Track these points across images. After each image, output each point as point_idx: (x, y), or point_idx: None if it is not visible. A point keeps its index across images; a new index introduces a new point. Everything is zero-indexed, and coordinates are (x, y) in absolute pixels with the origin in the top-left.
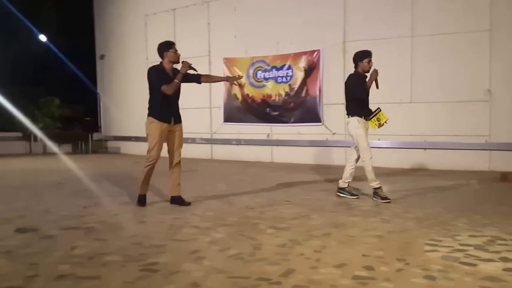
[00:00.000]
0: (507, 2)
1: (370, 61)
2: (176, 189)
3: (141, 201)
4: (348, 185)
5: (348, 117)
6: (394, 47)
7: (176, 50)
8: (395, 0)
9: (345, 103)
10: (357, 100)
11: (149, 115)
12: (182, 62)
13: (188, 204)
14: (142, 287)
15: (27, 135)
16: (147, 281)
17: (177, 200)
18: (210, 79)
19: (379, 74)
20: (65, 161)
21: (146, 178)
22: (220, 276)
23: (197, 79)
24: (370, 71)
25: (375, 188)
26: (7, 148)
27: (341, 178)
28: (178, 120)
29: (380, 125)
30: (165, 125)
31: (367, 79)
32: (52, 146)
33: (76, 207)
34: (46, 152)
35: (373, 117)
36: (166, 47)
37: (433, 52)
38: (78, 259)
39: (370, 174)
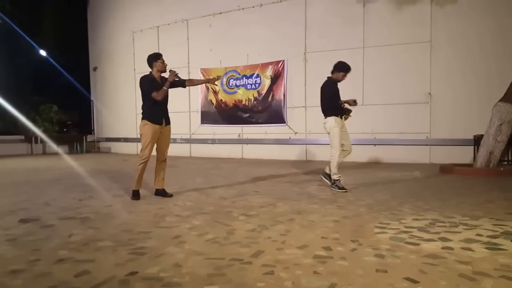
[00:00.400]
0: (445, 17)
1: (345, 75)
2: (160, 182)
3: (136, 195)
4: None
5: (326, 117)
6: (348, 56)
7: (164, 61)
8: (348, 17)
9: (319, 105)
10: (332, 104)
11: (143, 118)
12: (170, 71)
13: (170, 195)
14: (131, 268)
15: (29, 138)
16: (135, 263)
17: (161, 192)
18: (193, 82)
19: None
20: (62, 160)
21: (141, 174)
22: (199, 258)
23: (182, 84)
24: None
25: (335, 180)
26: (10, 149)
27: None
28: (168, 121)
29: (345, 118)
30: (157, 126)
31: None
32: (51, 147)
33: (72, 200)
34: (45, 153)
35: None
36: (155, 58)
37: (381, 60)
38: (75, 245)
39: (334, 168)
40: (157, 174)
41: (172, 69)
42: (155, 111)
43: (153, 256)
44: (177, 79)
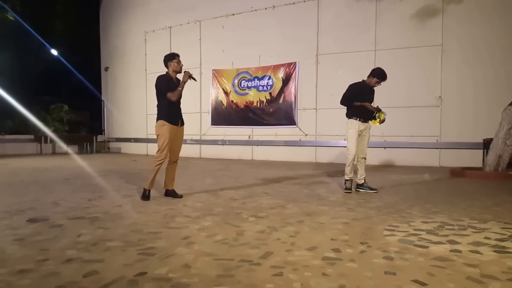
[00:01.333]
0: (456, 21)
1: (378, 82)
2: (171, 183)
3: (146, 196)
4: (365, 180)
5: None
6: (359, 59)
7: (180, 61)
8: (360, 20)
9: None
10: (344, 103)
11: (159, 118)
12: (184, 72)
13: (180, 196)
14: (140, 269)
15: (38, 137)
16: (144, 263)
17: (171, 193)
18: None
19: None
20: (72, 160)
21: (155, 175)
22: (208, 259)
23: None
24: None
25: (345, 180)
26: (20, 149)
27: (357, 177)
28: (182, 122)
29: (381, 121)
30: (174, 127)
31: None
32: (61, 146)
33: (81, 200)
34: (55, 152)
35: (373, 116)
36: (170, 58)
37: (392, 63)
38: (84, 245)
39: (346, 169)
40: (167, 175)
41: (187, 70)
42: (172, 111)
43: (162, 257)
44: (192, 80)
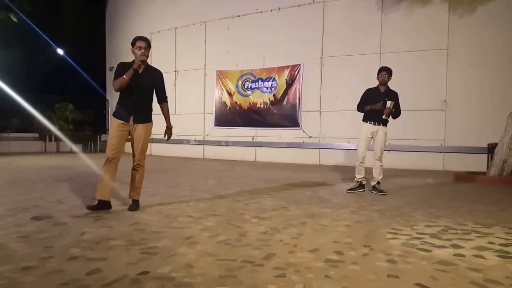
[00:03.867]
0: (463, 25)
1: (384, 75)
2: (133, 192)
3: (95, 207)
4: (378, 183)
5: None
6: (364, 62)
7: (142, 47)
8: (366, 23)
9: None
10: (358, 109)
11: None
12: (137, 60)
13: (134, 209)
14: (143, 268)
15: (43, 136)
16: (147, 262)
17: (131, 206)
18: (163, 110)
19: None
20: (76, 158)
21: (103, 180)
22: (210, 259)
23: (160, 98)
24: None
25: (355, 180)
26: (24, 147)
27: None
28: (139, 120)
29: (388, 113)
30: (121, 122)
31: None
32: (65, 145)
33: (85, 198)
34: (59, 151)
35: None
36: (132, 43)
37: (398, 67)
38: (87, 243)
39: (355, 169)
40: (130, 182)
41: (143, 59)
42: (121, 104)
43: (165, 256)
44: (141, 65)
